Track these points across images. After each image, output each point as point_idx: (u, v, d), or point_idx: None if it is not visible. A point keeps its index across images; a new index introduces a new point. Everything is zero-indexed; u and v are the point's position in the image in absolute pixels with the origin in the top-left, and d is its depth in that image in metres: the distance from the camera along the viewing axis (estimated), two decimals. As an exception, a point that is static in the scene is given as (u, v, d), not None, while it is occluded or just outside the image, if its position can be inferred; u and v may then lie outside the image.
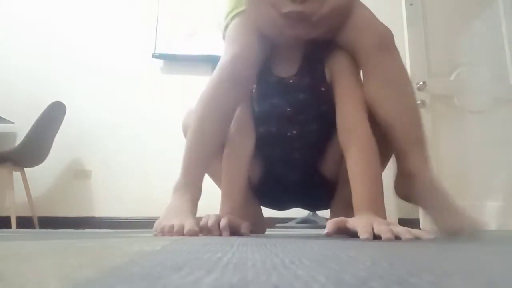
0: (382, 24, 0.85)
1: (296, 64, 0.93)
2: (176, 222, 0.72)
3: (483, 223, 0.82)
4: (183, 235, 0.70)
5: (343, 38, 0.85)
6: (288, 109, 0.94)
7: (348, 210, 1.00)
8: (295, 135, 0.96)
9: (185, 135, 0.97)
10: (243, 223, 0.79)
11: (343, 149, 0.83)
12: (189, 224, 0.71)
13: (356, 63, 0.87)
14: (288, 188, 1.04)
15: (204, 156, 0.86)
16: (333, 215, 1.05)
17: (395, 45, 0.85)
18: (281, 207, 1.20)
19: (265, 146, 0.97)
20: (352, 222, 0.66)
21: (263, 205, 1.13)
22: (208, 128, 0.85)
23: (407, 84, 0.87)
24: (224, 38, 0.96)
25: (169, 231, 0.71)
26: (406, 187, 0.86)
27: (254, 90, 0.96)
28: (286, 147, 0.98)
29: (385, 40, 0.83)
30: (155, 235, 0.75)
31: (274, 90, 0.94)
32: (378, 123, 0.84)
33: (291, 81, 0.93)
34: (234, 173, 0.90)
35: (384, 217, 0.72)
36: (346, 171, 0.81)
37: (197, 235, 0.71)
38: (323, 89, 0.92)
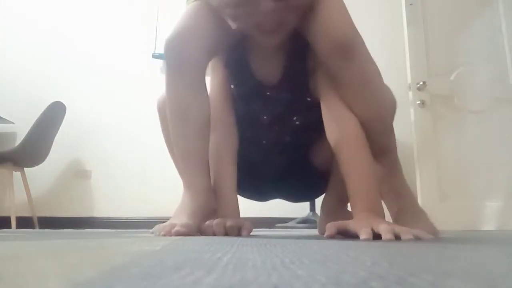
0: (344, 23, 0.75)
1: (278, 70, 0.88)
2: (170, 222, 0.73)
3: (436, 230, 0.85)
4: (171, 235, 0.70)
5: (308, 37, 0.79)
6: (265, 117, 0.94)
7: (341, 206, 1.01)
8: (271, 144, 0.97)
9: (161, 120, 0.97)
10: (245, 224, 0.80)
11: (334, 148, 0.80)
12: (179, 225, 0.71)
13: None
14: (271, 182, 1.05)
15: (189, 151, 0.83)
16: (324, 213, 1.06)
17: (356, 49, 0.76)
18: (261, 198, 1.18)
19: (243, 148, 0.95)
20: (353, 225, 0.66)
21: (240, 195, 1.08)
22: (178, 126, 0.83)
23: (374, 88, 0.82)
24: None
25: (163, 230, 0.72)
26: None
27: (233, 87, 0.93)
28: (263, 151, 0.99)
29: (343, 46, 0.74)
30: (151, 233, 0.77)
31: (252, 95, 0.92)
32: None
33: (268, 93, 0.91)
34: (224, 177, 0.88)
35: (383, 216, 0.72)
36: (337, 169, 0.81)
37: (185, 235, 0.71)
38: (309, 99, 0.89)
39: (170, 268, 0.23)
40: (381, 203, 0.76)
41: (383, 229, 0.61)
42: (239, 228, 0.78)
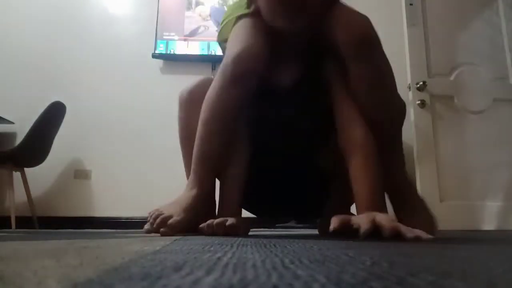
0: (361, 18, 0.81)
1: (293, 74, 0.93)
2: (165, 214, 0.77)
3: (435, 222, 0.87)
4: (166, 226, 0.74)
5: (327, 36, 0.83)
6: (273, 120, 0.96)
7: (344, 209, 1.01)
8: (278, 147, 0.98)
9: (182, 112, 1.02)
10: (244, 223, 0.80)
11: (343, 153, 0.83)
12: (172, 220, 0.75)
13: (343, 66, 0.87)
14: (274, 188, 1.04)
15: (211, 156, 0.88)
16: (327, 215, 1.05)
17: (375, 41, 0.80)
18: (267, 210, 1.15)
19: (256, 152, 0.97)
20: (355, 219, 0.66)
21: (247, 208, 1.09)
22: (213, 130, 0.87)
23: (387, 82, 0.85)
24: (220, 45, 0.99)
25: (154, 220, 0.76)
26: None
27: None
28: (269, 155, 0.99)
29: (364, 38, 0.79)
30: (148, 220, 0.80)
31: (262, 100, 0.94)
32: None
33: (283, 93, 0.94)
34: (228, 177, 0.91)
35: (386, 210, 0.74)
36: (344, 173, 0.82)
37: (172, 235, 0.74)
38: (322, 102, 0.91)
39: (170, 268, 0.23)
40: (385, 204, 0.77)
41: (384, 222, 0.61)
42: (238, 228, 0.78)
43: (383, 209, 0.75)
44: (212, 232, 0.76)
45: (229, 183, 0.90)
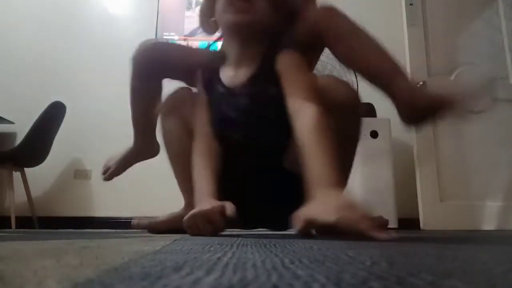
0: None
1: (247, 72, 0.96)
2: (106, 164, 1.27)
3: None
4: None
5: (302, 34, 0.95)
6: (232, 115, 0.96)
7: None
8: (241, 144, 0.96)
9: None
10: (226, 207, 0.73)
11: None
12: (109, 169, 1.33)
13: (301, 55, 0.95)
14: (248, 191, 0.98)
15: (138, 121, 1.24)
16: None
17: (339, 12, 0.91)
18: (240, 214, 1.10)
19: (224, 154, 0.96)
20: (316, 216, 0.62)
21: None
22: (134, 103, 1.21)
23: (364, 31, 0.91)
24: None
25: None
26: (406, 102, 0.86)
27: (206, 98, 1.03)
28: (233, 154, 0.96)
29: (329, 11, 0.91)
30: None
31: (221, 99, 0.98)
32: (362, 73, 0.91)
33: (236, 90, 0.96)
34: (200, 169, 0.91)
35: (343, 186, 0.72)
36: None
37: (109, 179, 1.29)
38: (276, 97, 0.91)
39: (170, 268, 0.23)
40: (337, 175, 0.70)
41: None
42: (222, 214, 0.72)
43: (335, 181, 0.69)
44: (200, 232, 0.73)
45: (200, 173, 0.90)
